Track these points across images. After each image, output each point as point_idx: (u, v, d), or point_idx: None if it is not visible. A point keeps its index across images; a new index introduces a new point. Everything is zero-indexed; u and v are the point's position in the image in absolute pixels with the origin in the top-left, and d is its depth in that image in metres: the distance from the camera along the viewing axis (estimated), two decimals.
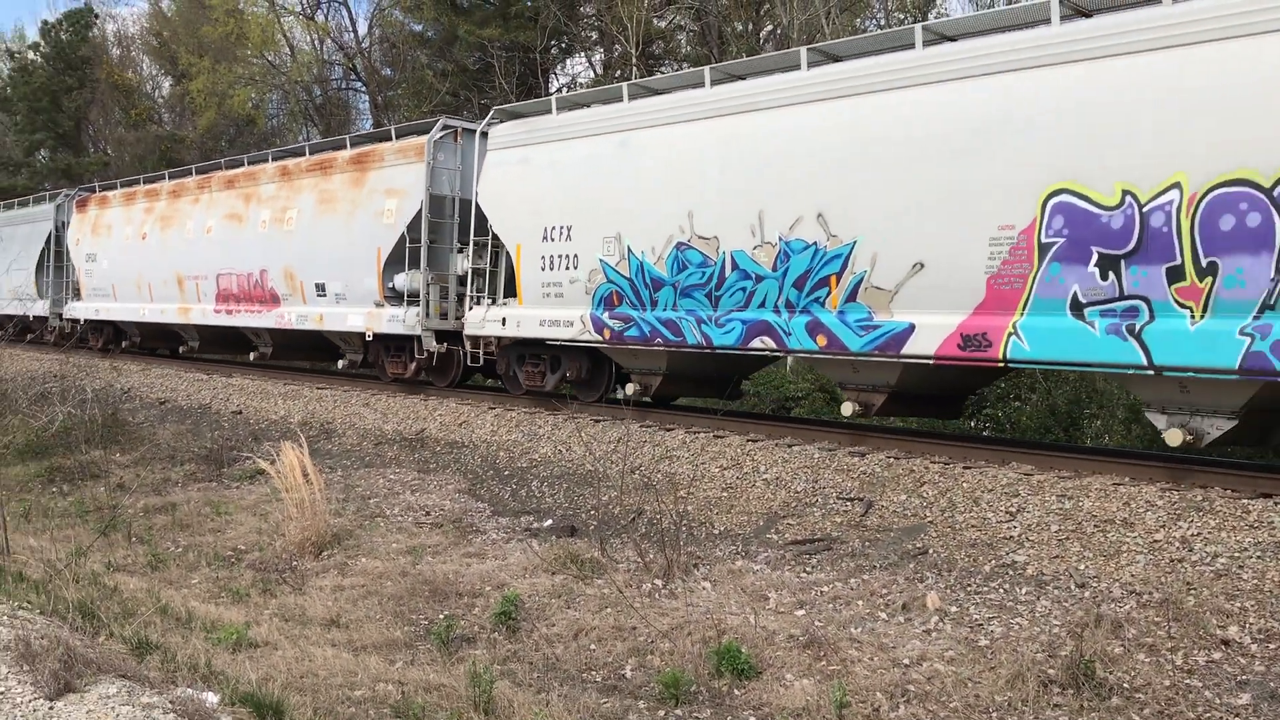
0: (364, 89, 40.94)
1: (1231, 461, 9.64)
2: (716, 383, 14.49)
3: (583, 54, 35.38)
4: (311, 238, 18.48)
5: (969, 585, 7.95)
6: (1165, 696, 6.07)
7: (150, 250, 22.91)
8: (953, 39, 10.99)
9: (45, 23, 51.13)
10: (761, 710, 6.24)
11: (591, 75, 34.25)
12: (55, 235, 27.23)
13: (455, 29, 32.57)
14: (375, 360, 18.33)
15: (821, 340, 11.58)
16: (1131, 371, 9.48)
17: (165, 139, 45.68)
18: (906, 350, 10.86)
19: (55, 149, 49.71)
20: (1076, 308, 9.68)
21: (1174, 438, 9.50)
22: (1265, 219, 8.55)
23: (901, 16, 27.35)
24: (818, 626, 7.24)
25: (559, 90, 32.72)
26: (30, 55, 52.24)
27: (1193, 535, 8.08)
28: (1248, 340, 8.62)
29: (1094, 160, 9.54)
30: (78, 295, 26.14)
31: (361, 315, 17.52)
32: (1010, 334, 10.09)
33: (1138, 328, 9.26)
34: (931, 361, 10.76)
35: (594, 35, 33.63)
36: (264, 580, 9.08)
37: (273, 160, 20.54)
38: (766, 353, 12.41)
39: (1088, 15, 9.99)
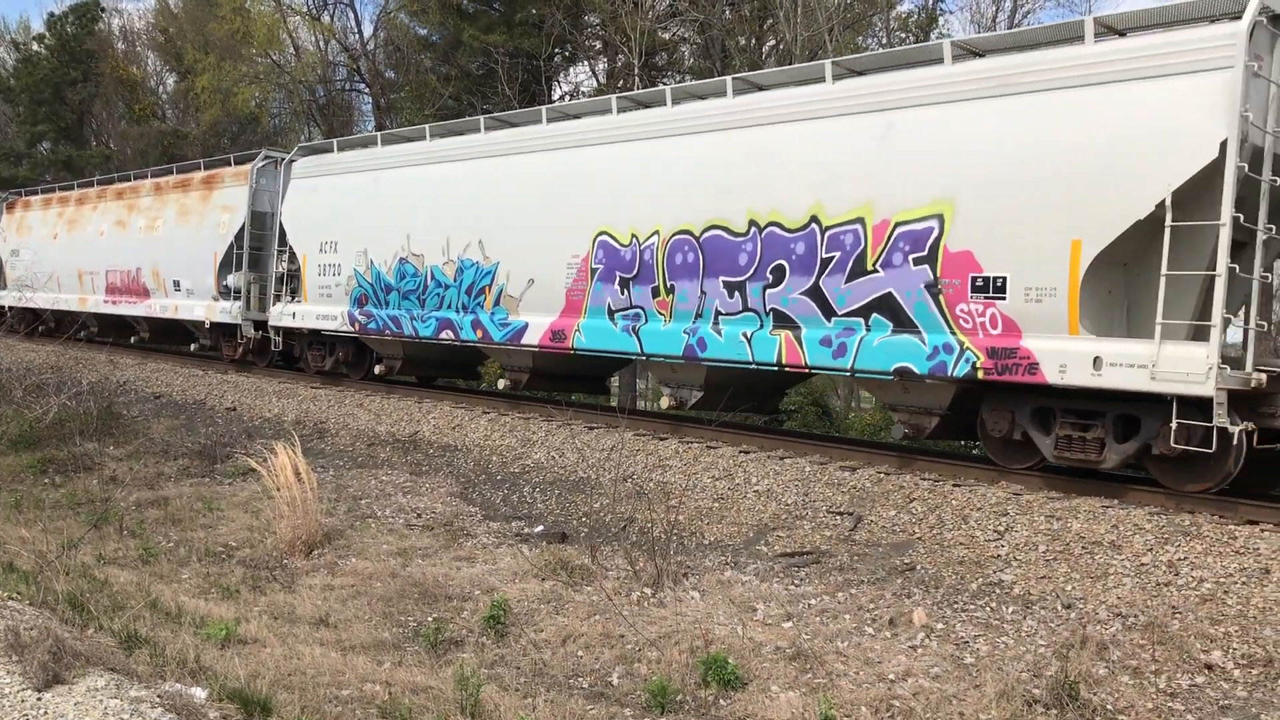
0: (367, 91, 40.96)
1: (1225, 490, 9.83)
2: (449, 367, 18.76)
3: (586, 63, 35.47)
4: (172, 243, 22.68)
5: (956, 603, 7.99)
6: (1148, 719, 6.11)
7: (60, 248, 27.12)
8: (577, 116, 15.14)
9: (51, 15, 51.15)
10: None
11: (595, 84, 34.35)
12: None
13: (460, 34, 32.63)
14: (215, 344, 22.31)
15: (479, 333, 15.71)
16: (633, 357, 14.03)
17: (168, 135, 45.66)
18: (524, 341, 15.03)
19: (57, 141, 49.64)
20: (610, 313, 13.88)
21: (664, 402, 14.10)
22: (695, 257, 12.90)
23: (904, 35, 27.50)
24: (804, 639, 7.28)
25: (562, 98, 32.82)
26: (35, 47, 52.23)
27: (1179, 559, 8.13)
28: (686, 337, 12.91)
29: (618, 212, 13.81)
30: (4, 285, 29.95)
31: (203, 307, 21.71)
32: (576, 330, 14.27)
33: (637, 328, 13.52)
34: (537, 349, 14.93)
35: (598, 45, 33.71)
36: (254, 577, 9.09)
37: (151, 177, 24.74)
38: (449, 342, 16.35)
39: (647, 106, 14.15)
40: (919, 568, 8.86)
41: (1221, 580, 7.77)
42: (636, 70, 27.91)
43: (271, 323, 19.82)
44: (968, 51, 10.97)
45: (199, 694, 5.59)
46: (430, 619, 7.96)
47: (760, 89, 12.90)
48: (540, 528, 11.02)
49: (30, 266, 27.79)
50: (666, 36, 31.47)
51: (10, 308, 28.34)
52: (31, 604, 7.06)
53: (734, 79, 13.11)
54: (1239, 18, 8.97)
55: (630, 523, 10.80)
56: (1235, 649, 6.86)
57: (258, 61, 39.94)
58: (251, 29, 38.12)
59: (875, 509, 10.10)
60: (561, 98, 33.61)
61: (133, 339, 25.04)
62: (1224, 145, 8.90)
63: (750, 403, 14.04)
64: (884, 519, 9.89)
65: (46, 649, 5.56)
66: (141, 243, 23.56)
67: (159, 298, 23.08)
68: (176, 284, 22.48)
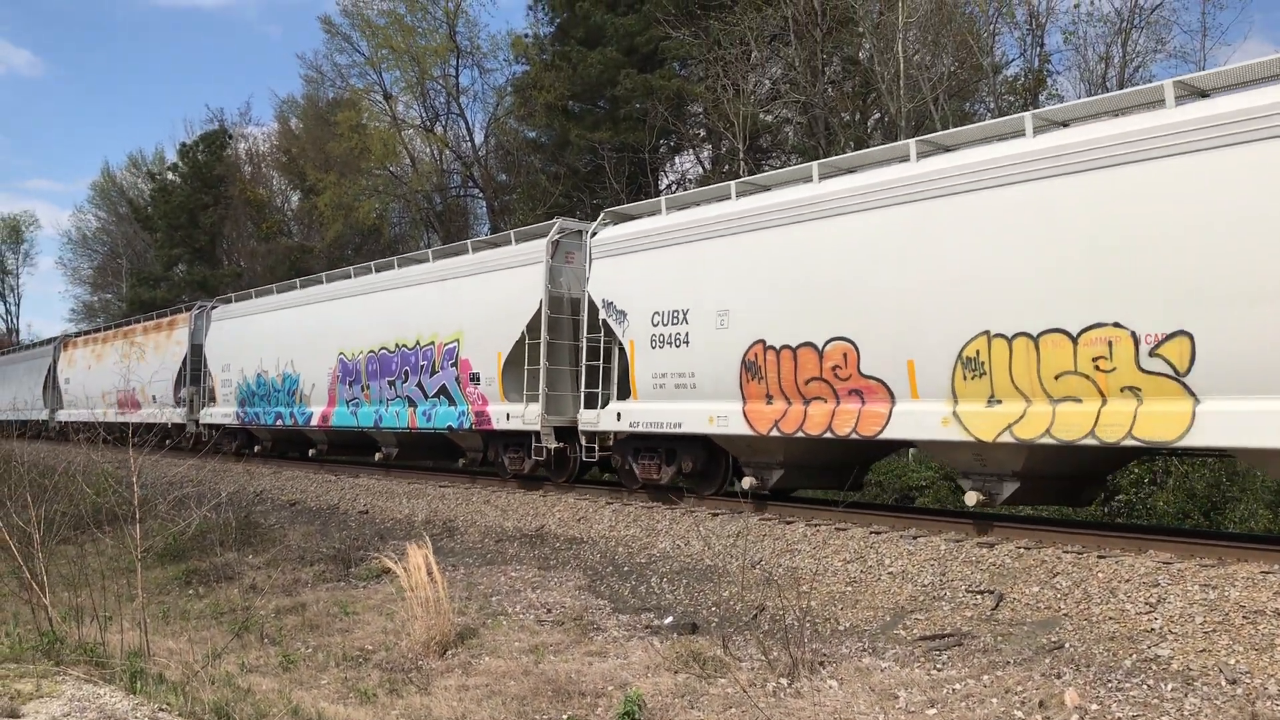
0: (481, 195, 42.23)
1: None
2: (295, 444, 25.83)
3: (691, 151, 35.98)
4: (152, 367, 31.10)
5: (1109, 681, 7.60)
6: None
7: (90, 375, 36.71)
8: (345, 277, 23.45)
9: (183, 145, 54.21)
10: None
11: (700, 171, 34.76)
12: (53, 366, 40.99)
13: (567, 134, 33.51)
14: (178, 440, 28.32)
15: (294, 420, 23.91)
16: (356, 429, 21.73)
17: (295, 250, 47.68)
18: (313, 424, 23.22)
19: (192, 263, 52.26)
20: (346, 403, 21.97)
21: (378, 456, 21.87)
22: (377, 366, 20.78)
23: (1011, 99, 27.22)
24: None
25: (668, 189, 33.28)
26: (169, 176, 55.26)
27: None
28: (375, 415, 20.85)
29: (348, 340, 21.87)
30: (60, 406, 39.88)
31: (168, 413, 29.54)
32: (332, 415, 22.43)
33: (356, 411, 21.62)
34: (319, 428, 23.13)
35: (701, 133, 34.20)
36: (390, 680, 9.16)
37: (141, 323, 34.52)
38: (282, 426, 24.51)
39: (369, 273, 22.73)
40: (1067, 645, 8.48)
41: None
42: (741, 155, 28.19)
43: (202, 421, 28.51)
44: (486, 243, 19.37)
45: None
46: (564, 717, 7.89)
47: (415, 262, 21.12)
48: (670, 619, 10.89)
49: (73, 391, 38.16)
50: (769, 119, 31.77)
51: (63, 421, 37.53)
52: (180, 714, 7.23)
53: (377, 263, 22.85)
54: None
55: (761, 610, 10.60)
56: None
57: (376, 175, 41.61)
58: (369, 144, 39.80)
59: (1017, 586, 9.73)
60: (669, 187, 34.10)
61: (133, 440, 29.68)
62: (541, 301, 16.58)
63: (433, 457, 22.01)
64: (1027, 596, 9.52)
65: None
66: (135, 369, 32.27)
67: (147, 408, 31.38)
68: (154, 397, 31.19)
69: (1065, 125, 10.90)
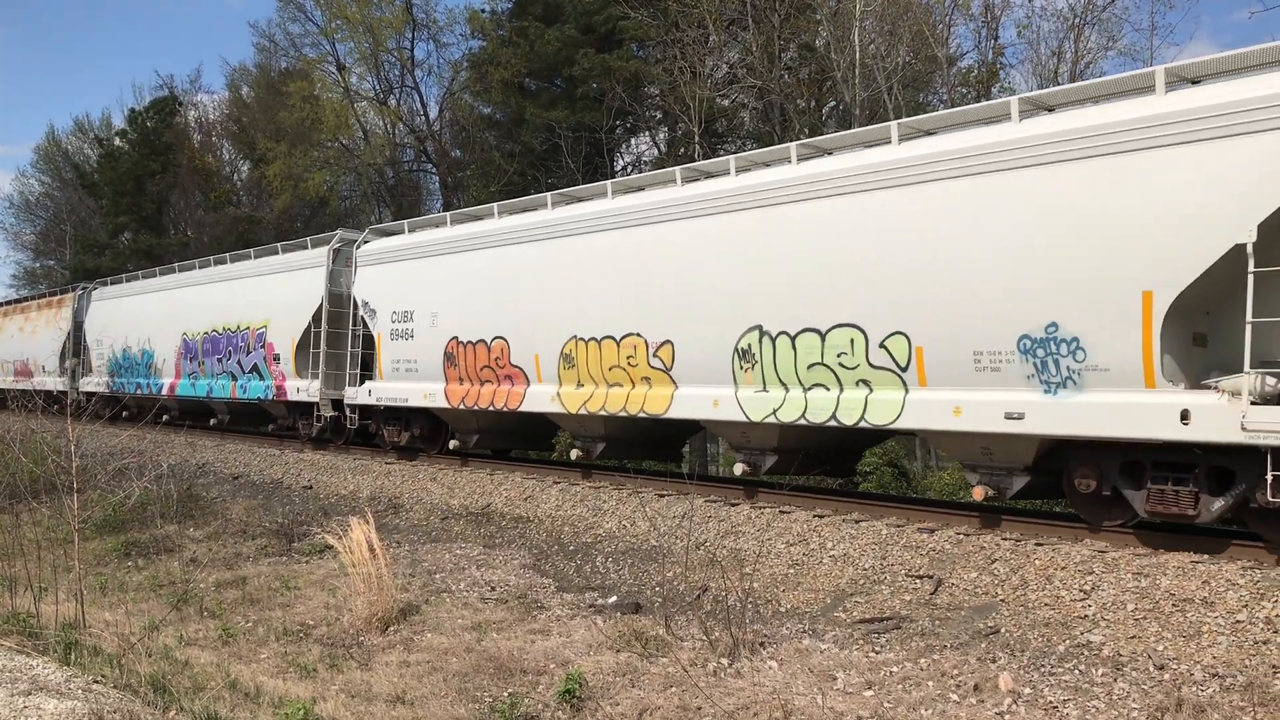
0: (435, 170, 41.85)
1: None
2: (158, 410, 27.05)
3: (647, 133, 35.90)
4: (42, 340, 34.72)
5: (1043, 666, 7.74)
6: None
7: None
8: (190, 269, 27.06)
9: (132, 110, 53.12)
10: None
11: (655, 154, 34.71)
12: None
13: (523, 111, 33.28)
14: (61, 404, 29.96)
15: (150, 389, 27.24)
16: (194, 398, 25.60)
17: (243, 220, 46.96)
18: (163, 393, 26.59)
19: (138, 231, 51.23)
20: (187, 376, 25.57)
21: (212, 421, 26.79)
22: (211, 346, 24.65)
23: (965, 91, 27.46)
24: (887, 708, 7.09)
25: (623, 170, 33.18)
26: (117, 142, 54.18)
27: (1277, 615, 7.81)
28: (209, 387, 24.80)
29: (189, 323, 25.85)
30: None
31: (53, 381, 33.22)
32: (176, 386, 26.05)
33: (194, 383, 25.22)
34: (168, 397, 26.65)
35: (658, 115, 34.14)
36: (331, 655, 9.12)
37: (35, 300, 37.84)
38: (142, 394, 27.54)
39: (213, 266, 25.73)
40: (1003, 630, 8.63)
41: None
42: (697, 138, 28.18)
43: (81, 389, 31.46)
44: (295, 246, 22.70)
45: None
46: (506, 694, 7.90)
47: (243, 259, 24.39)
48: (614, 598, 10.93)
49: None
50: (726, 103, 31.78)
51: None
52: (115, 686, 7.14)
53: (215, 258, 26.10)
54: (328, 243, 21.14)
55: (704, 591, 10.67)
56: None
57: (327, 146, 41.04)
58: (321, 116, 39.20)
59: (956, 571, 9.88)
60: (624, 169, 34.01)
61: (29, 406, 31.71)
62: (322, 298, 20.44)
63: (256, 423, 25.16)
64: (965, 581, 9.66)
65: None
66: (29, 341, 35.82)
67: (38, 376, 34.60)
68: (43, 367, 34.54)
69: (641, 190, 14.82)
